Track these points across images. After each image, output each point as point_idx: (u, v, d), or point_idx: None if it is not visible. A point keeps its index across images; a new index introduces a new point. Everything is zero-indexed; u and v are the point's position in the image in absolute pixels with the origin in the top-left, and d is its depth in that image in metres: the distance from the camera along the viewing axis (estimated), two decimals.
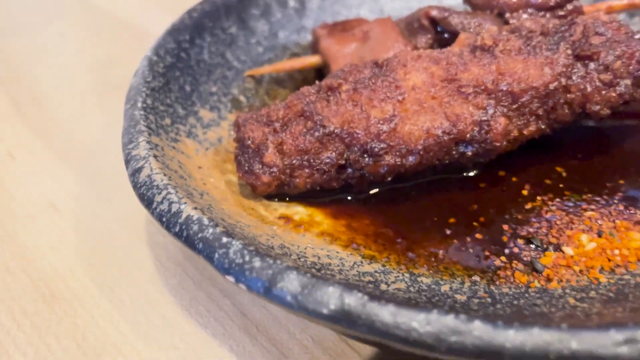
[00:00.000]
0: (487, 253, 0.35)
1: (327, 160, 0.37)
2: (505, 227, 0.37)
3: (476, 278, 0.34)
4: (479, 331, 0.25)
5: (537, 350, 0.24)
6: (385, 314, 0.25)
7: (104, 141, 0.51)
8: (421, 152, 0.36)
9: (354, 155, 0.36)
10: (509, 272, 0.34)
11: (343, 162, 0.37)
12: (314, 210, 0.39)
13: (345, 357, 0.33)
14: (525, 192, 0.39)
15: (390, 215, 0.38)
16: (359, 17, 0.57)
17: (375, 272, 0.34)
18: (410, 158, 0.36)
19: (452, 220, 0.37)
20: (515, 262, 0.34)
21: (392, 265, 0.35)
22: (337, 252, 0.35)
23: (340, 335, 0.34)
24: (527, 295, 0.32)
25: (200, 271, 0.39)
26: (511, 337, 0.24)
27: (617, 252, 0.34)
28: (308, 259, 0.33)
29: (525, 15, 0.44)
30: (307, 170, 0.37)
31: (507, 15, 0.45)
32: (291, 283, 0.27)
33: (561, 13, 0.44)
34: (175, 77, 0.43)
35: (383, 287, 0.32)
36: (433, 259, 0.35)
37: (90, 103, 0.56)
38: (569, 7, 0.44)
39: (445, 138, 0.36)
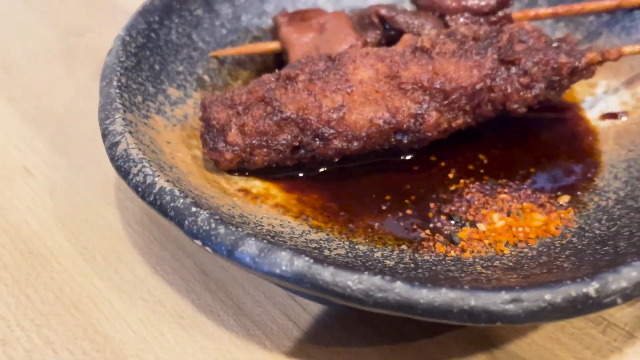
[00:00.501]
0: (414, 226, 0.42)
1: (283, 142, 0.42)
2: (432, 205, 0.43)
3: (404, 247, 0.40)
4: (400, 289, 0.31)
5: (444, 305, 0.30)
6: (327, 274, 0.31)
7: (75, 110, 0.54)
8: (364, 139, 0.42)
9: (307, 139, 0.42)
10: (431, 243, 0.40)
11: (297, 144, 0.42)
12: (270, 185, 0.44)
13: (292, 311, 0.39)
14: (451, 176, 0.46)
15: (335, 191, 0.44)
16: (316, 5, 0.62)
17: (320, 239, 0.40)
18: (355, 143, 0.42)
19: (387, 197, 0.44)
20: (437, 234, 0.41)
21: (335, 234, 0.41)
22: (289, 222, 0.41)
23: (288, 293, 0.40)
24: (444, 262, 0.38)
25: (165, 234, 0.44)
26: (424, 294, 0.31)
27: (521, 229, 0.41)
28: (264, 227, 0.38)
29: (462, 19, 0.50)
30: (265, 150, 0.42)
31: (447, 17, 0.50)
32: (250, 247, 0.32)
33: (493, 19, 0.50)
34: (146, 57, 0.47)
35: (326, 252, 0.38)
36: (370, 229, 0.41)
37: (60, 71, 0.59)
38: (500, 13, 0.51)
39: (386, 127, 0.42)
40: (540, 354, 0.37)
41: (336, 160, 0.44)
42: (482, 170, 0.46)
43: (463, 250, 0.40)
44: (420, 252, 0.40)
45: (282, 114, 0.42)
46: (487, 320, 0.31)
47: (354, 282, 0.31)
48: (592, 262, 0.35)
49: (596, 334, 0.38)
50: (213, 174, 0.43)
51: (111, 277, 0.41)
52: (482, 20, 0.50)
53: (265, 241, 0.33)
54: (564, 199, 0.43)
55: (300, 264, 0.32)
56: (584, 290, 0.31)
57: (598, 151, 0.48)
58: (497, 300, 0.31)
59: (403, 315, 0.31)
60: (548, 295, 0.31)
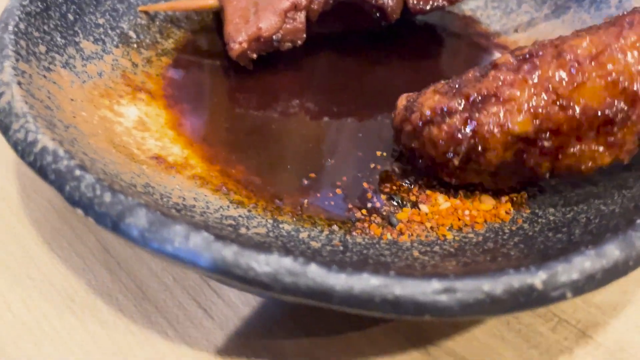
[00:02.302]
0: (350, 206, 0.37)
1: None
2: (365, 184, 0.38)
3: (335, 228, 0.35)
4: (313, 274, 0.26)
5: (364, 293, 0.26)
6: (228, 253, 0.26)
7: None
8: None
9: None
10: (366, 224, 0.36)
11: None
12: (191, 153, 0.39)
13: (203, 297, 0.34)
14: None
15: (265, 164, 0.39)
16: None
17: (240, 216, 0.35)
18: None
19: (312, 175, 0.39)
20: (374, 215, 0.36)
21: (259, 211, 0.36)
22: (205, 196, 0.36)
23: (202, 277, 0.35)
24: (377, 245, 0.34)
25: (66, 205, 0.38)
26: (342, 280, 0.26)
27: (467, 212, 0.37)
28: (171, 199, 0.33)
29: None
30: None
31: None
32: (139, 219, 0.27)
33: None
34: (57, 4, 0.41)
35: (243, 230, 0.33)
36: (299, 207, 0.36)
37: None
38: None
39: None
40: (481, 352, 0.33)
41: None
42: None
43: (401, 233, 0.35)
44: (353, 233, 0.35)
45: None
46: (415, 313, 0.26)
47: (259, 263, 0.26)
48: (542, 251, 0.31)
49: (545, 331, 0.34)
50: (123, 138, 0.38)
51: None
52: None
53: (159, 213, 0.27)
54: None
55: (198, 240, 0.27)
56: (529, 281, 0.27)
57: None
58: (427, 290, 0.26)
59: (317, 303, 0.26)
60: (487, 286, 0.26)
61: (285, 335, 0.33)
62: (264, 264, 0.26)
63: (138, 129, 0.39)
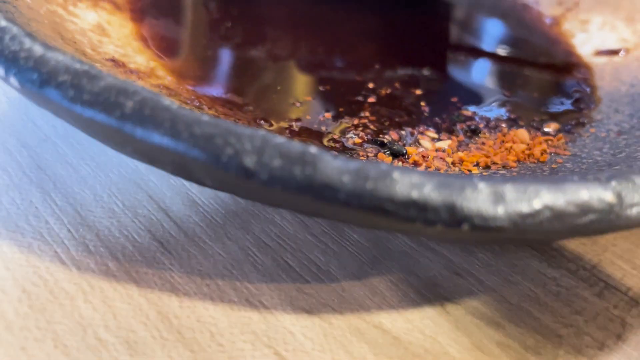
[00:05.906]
0: (335, 145, 0.30)
1: None
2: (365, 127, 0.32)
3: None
4: (323, 162, 0.19)
5: (381, 189, 0.19)
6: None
7: None
8: None
9: None
10: (370, 155, 0.29)
11: None
12: (158, 65, 0.32)
13: (160, 227, 0.26)
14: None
15: (249, 82, 0.32)
16: None
17: None
18: None
19: (308, 98, 0.32)
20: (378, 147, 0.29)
21: None
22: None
23: (161, 206, 0.27)
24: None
25: None
26: (353, 169, 0.19)
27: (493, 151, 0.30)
28: None
29: None
30: None
31: None
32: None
33: None
34: None
35: None
36: (287, 130, 0.29)
37: None
38: None
39: None
40: (512, 315, 0.26)
41: None
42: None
43: (416, 165, 0.28)
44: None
45: None
46: (450, 220, 0.19)
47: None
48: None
49: (590, 296, 0.27)
50: (76, 36, 0.30)
51: None
52: None
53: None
54: (552, 126, 0.33)
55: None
56: (599, 191, 0.20)
57: (592, 86, 0.38)
58: (469, 194, 0.19)
59: (318, 204, 0.19)
60: (547, 195, 0.19)
61: (263, 279, 0.25)
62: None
63: (95, 32, 0.32)
